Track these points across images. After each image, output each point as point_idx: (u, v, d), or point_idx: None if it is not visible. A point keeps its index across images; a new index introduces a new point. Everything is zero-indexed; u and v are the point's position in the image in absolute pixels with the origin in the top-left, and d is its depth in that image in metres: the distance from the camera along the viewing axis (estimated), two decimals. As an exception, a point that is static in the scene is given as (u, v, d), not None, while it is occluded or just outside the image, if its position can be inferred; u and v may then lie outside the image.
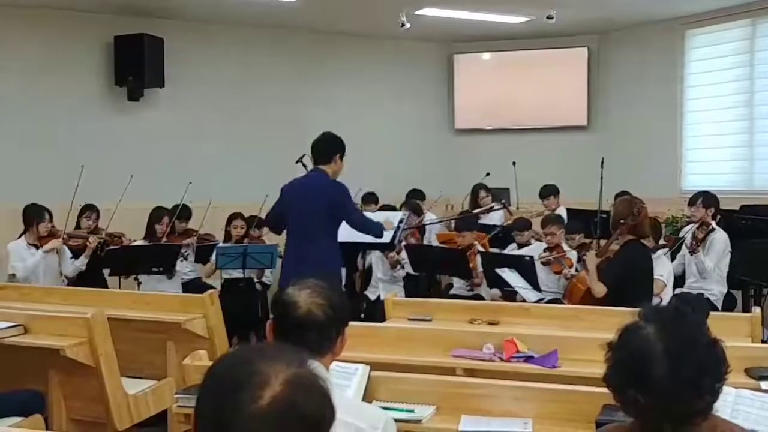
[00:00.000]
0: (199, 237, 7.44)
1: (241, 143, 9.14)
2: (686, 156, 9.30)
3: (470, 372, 3.78)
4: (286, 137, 8.43)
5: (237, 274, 7.13)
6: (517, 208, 8.83)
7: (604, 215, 6.84)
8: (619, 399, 1.85)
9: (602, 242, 6.19)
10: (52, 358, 4.19)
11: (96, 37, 8.39)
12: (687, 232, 6.84)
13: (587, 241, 6.82)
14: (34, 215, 6.56)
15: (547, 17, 8.60)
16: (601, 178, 7.29)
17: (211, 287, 6.72)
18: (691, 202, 6.81)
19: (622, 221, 5.02)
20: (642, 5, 8.55)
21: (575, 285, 5.90)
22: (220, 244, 7.26)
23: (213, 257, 7.10)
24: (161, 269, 6.86)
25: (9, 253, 6.54)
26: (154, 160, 8.56)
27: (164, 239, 7.12)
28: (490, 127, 10.46)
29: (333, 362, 2.39)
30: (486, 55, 10.50)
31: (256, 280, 7.43)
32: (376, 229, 5.46)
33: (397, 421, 2.33)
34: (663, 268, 5.67)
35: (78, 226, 7.11)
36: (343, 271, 6.46)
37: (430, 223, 8.02)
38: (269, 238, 7.75)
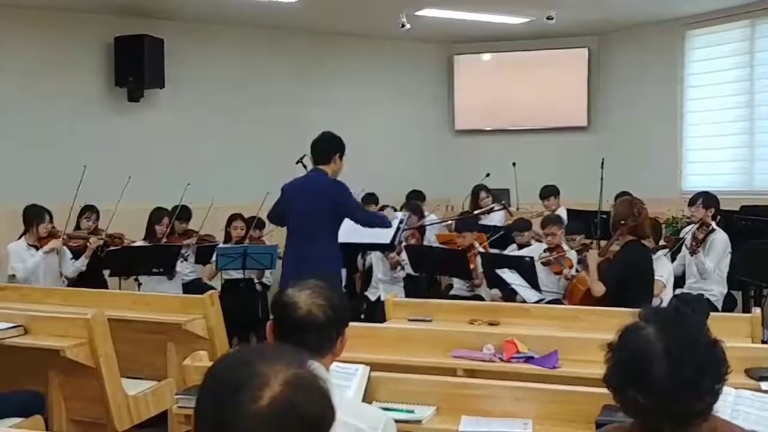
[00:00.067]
0: (199, 238, 7.44)
1: (242, 144, 9.14)
2: (686, 156, 9.30)
3: (470, 372, 3.78)
4: (287, 138, 8.43)
5: (237, 274, 7.13)
6: (517, 208, 8.83)
7: (605, 216, 6.84)
8: (619, 399, 1.85)
9: (602, 243, 6.19)
10: (52, 358, 4.19)
11: (96, 37, 8.39)
12: (687, 233, 6.84)
13: (588, 241, 6.82)
14: (34, 216, 6.56)
15: (547, 18, 8.60)
16: (601, 178, 7.28)
17: (212, 288, 6.74)
18: (692, 203, 6.81)
19: (622, 222, 5.02)
20: (642, 6, 8.55)
21: (575, 285, 5.90)
22: (221, 245, 7.26)
23: (213, 258, 7.10)
24: (161, 270, 6.85)
25: (9, 254, 6.54)
26: (154, 161, 8.56)
27: (164, 240, 7.12)
28: (490, 128, 10.46)
29: (333, 363, 2.39)
30: (486, 56, 10.51)
31: (256, 280, 7.43)
32: (382, 220, 5.46)
33: (397, 421, 2.33)
34: (663, 268, 5.67)
35: (78, 227, 7.10)
36: (344, 271, 6.46)
37: (430, 224, 8.02)
38: (269, 238, 7.76)
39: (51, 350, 4.17)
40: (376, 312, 6.52)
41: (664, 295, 5.56)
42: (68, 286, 6.63)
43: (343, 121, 7.67)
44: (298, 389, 1.27)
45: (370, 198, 8.28)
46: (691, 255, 6.54)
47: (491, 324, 4.78)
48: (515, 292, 6.19)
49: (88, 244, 6.81)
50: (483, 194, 8.51)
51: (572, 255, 6.58)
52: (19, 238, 6.60)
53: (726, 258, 6.49)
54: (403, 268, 7.08)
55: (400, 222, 5.97)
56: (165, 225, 7.19)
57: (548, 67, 10.14)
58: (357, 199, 5.45)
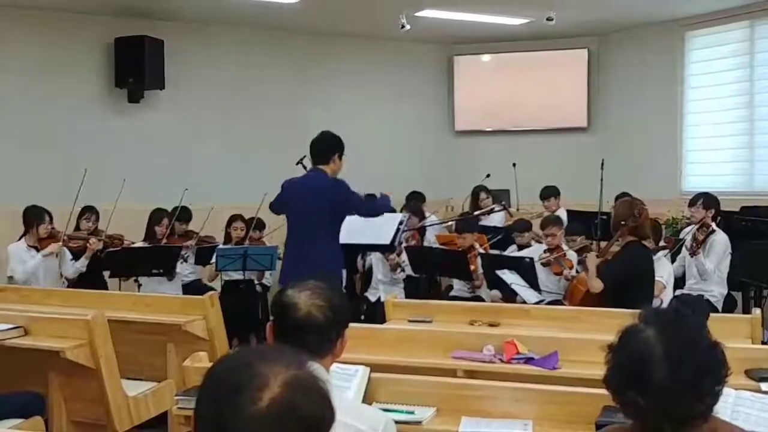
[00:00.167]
0: (199, 239, 7.44)
1: (242, 144, 9.15)
2: (686, 157, 9.30)
3: (470, 373, 3.78)
4: (286, 138, 8.43)
5: (237, 275, 7.13)
6: (518, 209, 8.83)
7: (605, 217, 6.85)
8: (618, 401, 1.85)
9: (603, 244, 6.19)
10: (53, 359, 4.19)
11: (96, 38, 8.39)
12: (687, 234, 6.84)
13: (588, 242, 6.82)
14: (34, 217, 6.56)
15: (547, 19, 8.60)
16: (602, 179, 7.30)
17: (212, 289, 6.74)
18: (692, 203, 6.81)
19: (623, 222, 5.03)
20: (642, 7, 8.56)
21: (575, 286, 5.90)
22: (221, 246, 7.26)
23: (213, 259, 7.10)
24: (161, 271, 6.86)
25: (9, 256, 6.53)
26: (154, 162, 8.56)
27: (164, 241, 7.12)
28: (490, 129, 10.46)
29: (333, 364, 2.38)
30: (486, 57, 10.51)
31: (256, 281, 7.43)
32: (384, 206, 5.45)
33: (397, 422, 2.33)
34: (663, 269, 5.68)
35: (77, 228, 7.10)
36: (344, 272, 6.45)
37: (430, 225, 8.01)
38: (269, 239, 7.76)
39: (51, 351, 4.18)
40: (376, 313, 6.52)
41: (664, 296, 5.56)
42: (68, 287, 6.63)
43: (342, 121, 7.66)
44: (297, 390, 1.27)
45: (370, 198, 8.27)
46: (691, 256, 6.54)
47: (491, 325, 4.78)
48: (515, 293, 6.19)
49: (88, 245, 6.80)
50: (483, 195, 8.51)
51: (572, 256, 6.58)
52: (19, 239, 6.60)
53: (726, 259, 6.49)
54: (403, 270, 7.07)
55: (400, 223, 5.97)
56: (165, 226, 7.19)
57: (548, 68, 10.15)
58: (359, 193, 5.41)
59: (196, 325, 4.98)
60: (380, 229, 5.78)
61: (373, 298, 7.22)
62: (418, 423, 2.96)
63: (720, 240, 6.47)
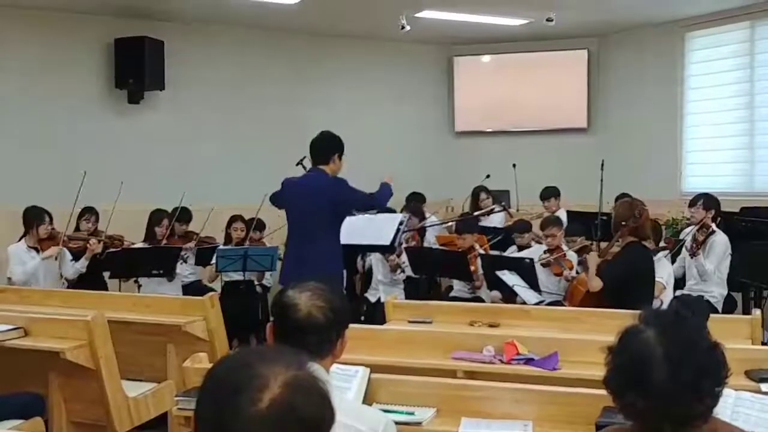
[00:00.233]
0: (199, 240, 7.44)
1: (242, 145, 9.15)
2: (686, 158, 9.31)
3: (470, 374, 3.78)
4: (286, 139, 8.43)
5: (237, 276, 7.13)
6: (518, 210, 8.83)
7: (605, 217, 6.85)
8: (618, 402, 1.85)
9: (603, 244, 6.19)
10: (53, 360, 4.19)
11: (96, 39, 8.39)
12: (687, 235, 6.83)
13: (588, 242, 6.82)
14: (34, 218, 6.55)
15: (547, 20, 8.60)
16: (601, 180, 7.30)
17: (212, 290, 6.74)
18: (692, 204, 6.81)
19: (623, 223, 5.03)
20: (641, 8, 8.56)
21: (575, 287, 5.90)
22: (221, 247, 7.26)
23: (213, 260, 7.10)
24: (161, 272, 6.85)
25: (8, 257, 6.53)
26: (155, 163, 8.57)
27: (164, 242, 7.12)
28: (490, 129, 10.47)
29: (333, 365, 2.38)
30: (486, 58, 10.51)
31: (256, 282, 7.43)
32: (385, 193, 5.42)
33: (397, 423, 2.33)
34: (663, 270, 5.68)
35: (77, 229, 7.10)
36: (344, 273, 6.45)
37: (430, 226, 8.01)
38: (269, 240, 7.76)
39: (51, 352, 4.18)
40: (376, 314, 6.52)
41: (664, 297, 5.56)
42: (68, 287, 6.63)
43: (342, 122, 7.66)
44: (297, 391, 1.27)
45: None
46: (691, 257, 6.54)
47: (491, 326, 4.78)
48: (515, 294, 6.19)
49: (88, 245, 6.80)
50: (483, 195, 8.51)
51: (572, 256, 6.58)
52: (20, 239, 6.60)
53: (726, 260, 6.49)
54: (403, 271, 7.07)
55: (400, 224, 5.96)
56: (165, 227, 7.19)
57: (548, 69, 10.15)
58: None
59: (196, 326, 4.98)
60: (380, 229, 5.79)
61: (373, 299, 7.22)
62: (418, 424, 2.97)
63: (720, 241, 6.47)
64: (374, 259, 7.29)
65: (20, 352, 4.32)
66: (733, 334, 4.16)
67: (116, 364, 4.28)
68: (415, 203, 8.08)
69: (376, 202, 5.42)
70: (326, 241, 5.18)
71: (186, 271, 7.33)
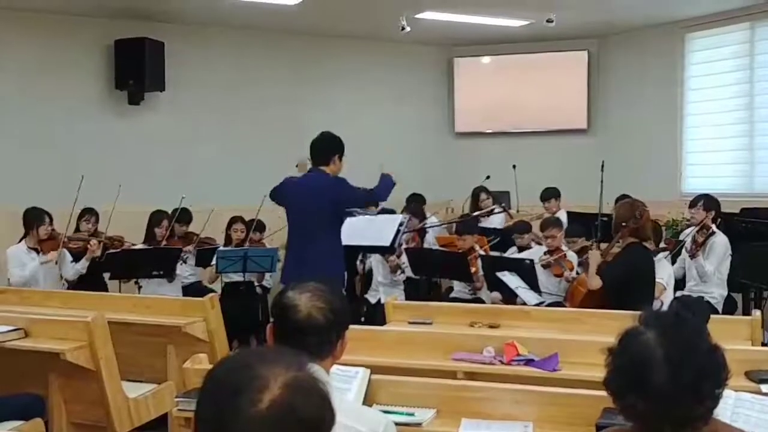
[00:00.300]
0: (199, 240, 7.44)
1: (242, 146, 9.15)
2: (686, 159, 9.31)
3: (471, 375, 3.78)
4: (287, 140, 8.44)
5: (237, 277, 7.13)
6: (518, 211, 8.83)
7: (605, 218, 6.85)
8: (618, 404, 1.85)
9: (603, 245, 6.19)
10: (53, 361, 4.19)
11: (96, 40, 8.40)
12: (687, 236, 6.83)
13: (588, 243, 6.82)
14: (34, 219, 6.55)
15: (547, 21, 8.60)
16: (602, 181, 7.29)
17: (212, 291, 6.74)
18: (692, 205, 6.81)
19: (623, 224, 5.03)
20: (641, 9, 8.56)
21: (576, 287, 5.90)
22: (221, 248, 7.26)
23: (214, 261, 7.10)
24: (161, 273, 6.85)
25: (8, 259, 6.52)
26: (155, 164, 8.57)
27: (163, 243, 7.12)
28: (490, 131, 10.47)
29: (333, 366, 2.38)
30: (486, 59, 10.51)
31: (256, 283, 7.43)
32: (387, 185, 5.39)
33: (397, 424, 2.33)
34: (663, 271, 5.67)
35: (77, 230, 7.10)
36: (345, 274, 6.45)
37: (430, 227, 8.01)
38: (269, 241, 7.76)
39: (51, 353, 4.17)
40: (376, 315, 6.52)
41: (665, 298, 5.56)
42: (68, 288, 6.63)
43: (342, 123, 7.67)
44: (297, 392, 1.27)
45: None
46: (691, 258, 6.54)
47: (491, 327, 4.78)
48: (515, 295, 6.19)
49: (88, 246, 6.80)
50: (483, 196, 8.50)
51: (572, 257, 6.58)
52: (20, 241, 6.60)
53: (726, 261, 6.49)
54: (403, 272, 7.07)
55: (400, 225, 5.96)
56: (164, 228, 7.19)
57: (548, 70, 10.15)
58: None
59: (196, 327, 4.98)
60: (380, 230, 5.79)
61: (373, 300, 7.22)
62: (419, 425, 2.97)
63: (720, 242, 6.47)
64: (374, 261, 7.29)
65: (20, 353, 4.31)
66: (733, 335, 4.16)
67: (116, 365, 4.28)
68: (415, 204, 8.07)
69: (376, 197, 5.40)
70: (327, 241, 5.18)
71: (186, 272, 7.34)
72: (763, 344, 4.82)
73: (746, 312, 6.30)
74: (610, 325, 2.90)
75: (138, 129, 8.63)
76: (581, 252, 6.67)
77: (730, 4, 8.32)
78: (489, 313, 5.02)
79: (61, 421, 4.39)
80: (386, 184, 5.39)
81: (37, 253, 6.56)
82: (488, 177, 8.89)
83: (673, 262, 6.64)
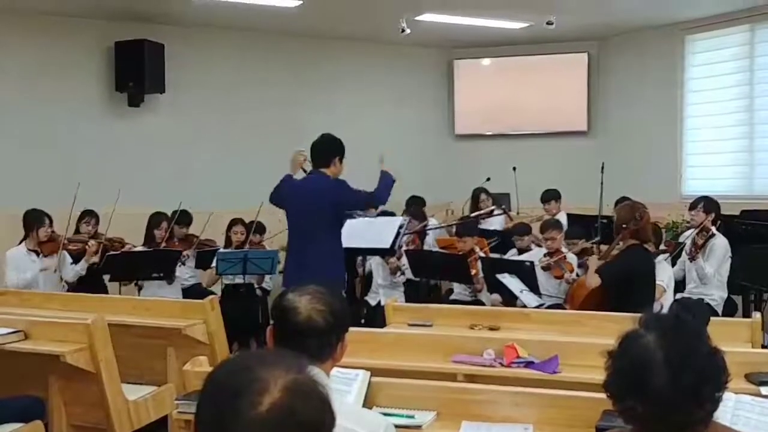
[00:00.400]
0: (199, 243, 7.44)
1: (242, 148, 9.14)
2: (686, 161, 9.31)
3: (471, 377, 3.78)
4: (287, 142, 8.39)
5: (237, 279, 7.13)
6: (518, 213, 8.83)
7: (605, 220, 6.85)
8: (618, 407, 1.84)
9: (603, 247, 6.20)
10: (53, 364, 4.19)
11: (96, 42, 8.40)
12: (687, 238, 6.83)
13: (588, 245, 6.83)
14: (34, 220, 6.55)
15: (547, 23, 8.61)
16: (602, 183, 7.30)
17: (212, 293, 6.74)
18: (692, 207, 6.81)
19: (624, 226, 5.04)
20: (642, 11, 8.56)
21: (576, 289, 5.90)
22: (221, 250, 7.26)
23: (214, 263, 7.10)
24: (161, 275, 6.85)
25: (7, 261, 6.52)
26: (155, 166, 8.57)
27: (163, 245, 7.11)
28: (490, 133, 10.47)
29: (333, 368, 2.38)
30: (486, 61, 10.52)
31: (256, 285, 7.43)
32: (387, 184, 5.35)
33: (397, 426, 2.33)
34: (663, 273, 5.68)
35: (77, 231, 7.10)
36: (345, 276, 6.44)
37: (431, 229, 8.01)
38: (270, 243, 7.76)
39: (51, 355, 4.17)
40: (376, 317, 6.52)
41: (665, 300, 5.57)
42: (68, 291, 6.63)
43: (342, 125, 7.66)
44: (297, 395, 1.27)
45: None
46: (690, 261, 6.54)
47: (491, 329, 4.78)
48: (516, 297, 6.19)
49: (86, 247, 6.81)
50: (483, 196, 8.51)
51: (572, 259, 6.58)
52: (20, 242, 6.60)
53: (726, 263, 6.49)
54: (403, 273, 7.08)
55: (400, 227, 5.96)
56: (164, 229, 7.19)
57: (548, 72, 10.16)
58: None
59: (196, 329, 4.98)
60: (380, 233, 5.79)
61: (373, 302, 7.22)
62: (419, 427, 2.96)
63: (720, 244, 6.47)
64: (374, 263, 7.30)
65: (20, 355, 4.31)
66: (733, 338, 4.16)
67: (116, 368, 4.28)
68: (415, 206, 8.08)
69: (377, 199, 5.38)
70: (327, 243, 5.18)
71: (186, 273, 7.34)
72: (763, 346, 4.82)
73: (746, 314, 6.31)
74: (610, 328, 2.90)
75: (138, 131, 8.63)
76: (581, 254, 6.68)
77: (730, 6, 8.32)
78: (489, 316, 5.03)
79: (61, 424, 4.39)
80: (386, 184, 5.36)
81: (37, 255, 6.56)
82: (488, 179, 8.90)
83: (673, 264, 6.64)
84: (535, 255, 6.77)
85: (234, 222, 7.56)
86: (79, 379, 4.23)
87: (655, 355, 1.77)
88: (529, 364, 3.84)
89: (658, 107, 9.39)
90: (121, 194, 7.05)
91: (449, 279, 7.30)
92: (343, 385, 3.07)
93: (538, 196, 8.26)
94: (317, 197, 5.15)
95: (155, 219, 7.25)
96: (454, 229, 7.67)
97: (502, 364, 3.86)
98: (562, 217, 7.73)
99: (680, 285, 6.56)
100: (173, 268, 6.91)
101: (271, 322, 2.30)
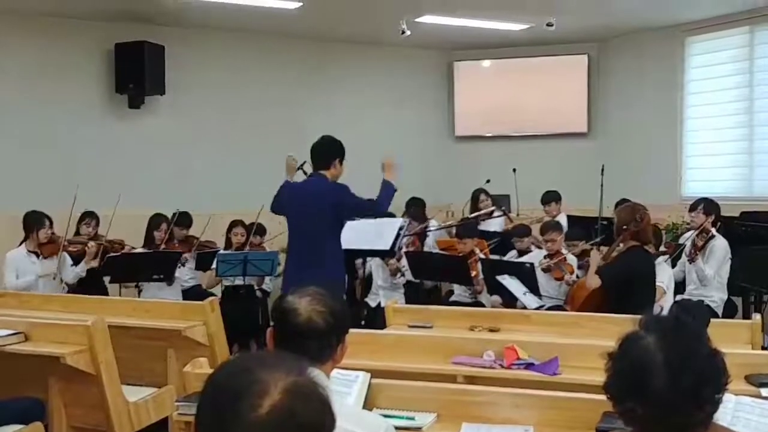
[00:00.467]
0: (199, 244, 7.44)
1: (242, 150, 9.14)
2: (686, 163, 9.31)
3: (471, 379, 3.78)
4: (287, 144, 8.39)
5: (237, 281, 7.13)
6: (518, 214, 8.83)
7: (605, 222, 6.85)
8: (618, 409, 1.85)
9: (603, 249, 6.20)
10: (53, 365, 4.19)
11: (96, 44, 8.40)
12: (687, 239, 6.84)
13: (589, 247, 6.82)
14: (34, 222, 6.56)
15: (547, 24, 8.61)
16: (602, 184, 7.30)
17: (212, 294, 6.74)
18: (692, 209, 6.81)
19: (625, 227, 5.05)
20: (641, 12, 8.57)
21: (576, 291, 5.90)
22: (221, 252, 7.26)
23: (214, 264, 7.10)
24: (161, 276, 6.85)
25: (6, 263, 6.52)
26: (155, 168, 8.57)
27: (162, 246, 7.11)
28: (490, 134, 10.47)
29: (333, 370, 2.38)
30: (486, 62, 10.52)
31: (256, 287, 7.43)
32: (388, 195, 5.34)
33: (397, 428, 2.33)
34: (663, 274, 5.68)
35: (78, 233, 7.11)
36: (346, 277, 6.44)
37: (431, 230, 8.01)
38: (270, 245, 7.76)
39: (51, 357, 4.17)
40: (376, 318, 6.52)
41: (665, 302, 5.57)
42: (68, 292, 6.63)
43: (343, 127, 7.66)
44: (297, 397, 1.27)
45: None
46: (690, 263, 6.54)
47: (491, 330, 4.79)
48: (516, 299, 6.19)
49: (86, 248, 6.81)
50: (483, 197, 8.50)
51: (572, 260, 6.58)
52: (20, 244, 6.60)
53: (726, 264, 6.49)
54: (403, 275, 7.08)
55: (400, 228, 5.95)
56: (163, 231, 7.19)
57: (548, 74, 10.16)
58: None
59: (196, 331, 4.99)
60: (380, 234, 5.78)
61: (373, 304, 7.22)
62: (419, 429, 2.96)
63: (720, 245, 6.47)
64: (374, 264, 7.30)
65: (20, 357, 4.31)
66: (733, 339, 4.16)
67: (116, 369, 4.28)
68: (416, 208, 8.07)
69: (378, 207, 5.38)
70: (328, 245, 5.18)
71: (186, 275, 7.33)
72: (763, 348, 4.82)
73: (746, 316, 6.31)
74: (610, 329, 2.91)
75: (138, 132, 8.63)
76: (581, 255, 6.68)
77: (730, 7, 8.33)
78: (489, 317, 5.03)
79: (61, 425, 4.39)
80: (388, 193, 5.37)
81: (37, 256, 6.56)
82: (488, 180, 8.89)
83: (674, 266, 6.64)
84: (535, 257, 6.77)
85: (234, 224, 7.56)
86: (79, 381, 4.23)
87: (655, 357, 1.77)
88: (529, 366, 3.84)
89: (658, 109, 9.39)
90: (121, 195, 7.05)
91: (449, 280, 7.30)
92: (344, 386, 3.07)
93: (538, 197, 8.26)
94: (317, 199, 5.15)
95: (155, 221, 7.24)
96: (454, 231, 7.67)
97: (502, 366, 3.86)
98: (562, 219, 7.73)
99: (680, 286, 6.56)
100: (173, 270, 6.91)
101: (272, 323, 2.31)
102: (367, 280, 7.53)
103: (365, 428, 2.11)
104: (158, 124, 8.75)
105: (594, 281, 5.07)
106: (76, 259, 6.83)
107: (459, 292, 7.11)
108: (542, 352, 3.90)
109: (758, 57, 8.51)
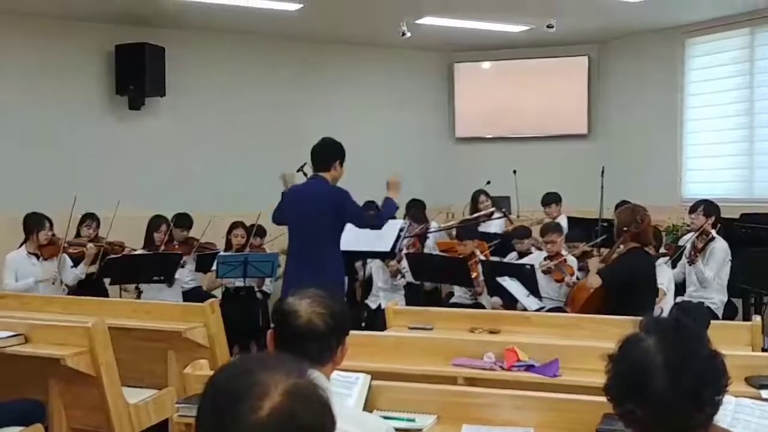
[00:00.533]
0: (199, 246, 7.44)
1: (242, 151, 9.15)
2: (686, 164, 9.31)
3: (471, 381, 3.77)
4: (287, 145, 8.44)
5: (237, 282, 7.13)
6: (518, 216, 8.83)
7: (605, 224, 6.85)
8: (618, 410, 1.84)
9: (603, 250, 6.20)
10: (53, 367, 4.18)
11: (97, 46, 8.40)
12: (687, 241, 6.84)
13: (589, 249, 6.83)
14: (34, 224, 6.56)
15: (547, 26, 8.61)
16: (602, 186, 7.30)
17: (212, 296, 6.74)
18: (692, 210, 6.82)
19: (625, 229, 5.05)
20: (642, 14, 8.56)
21: (577, 292, 5.90)
22: (221, 253, 7.26)
23: (214, 266, 7.10)
24: (162, 278, 6.85)
25: (6, 265, 6.52)
26: (155, 169, 8.58)
27: (162, 248, 7.11)
28: (490, 136, 10.47)
29: (334, 371, 2.39)
30: (486, 64, 10.53)
31: (256, 289, 7.43)
32: (389, 211, 5.38)
33: (397, 430, 2.33)
34: (663, 276, 5.69)
35: (78, 235, 7.11)
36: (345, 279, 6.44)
37: (432, 232, 8.01)
38: (270, 246, 7.76)
39: (51, 359, 4.17)
40: (376, 320, 6.52)
41: (665, 303, 5.57)
42: (68, 294, 6.63)
43: (343, 128, 7.68)
44: (297, 399, 1.27)
45: (370, 206, 8.25)
46: (690, 264, 6.54)
47: (492, 332, 4.79)
48: (516, 300, 6.19)
49: (85, 250, 6.81)
50: (483, 199, 8.49)
51: (573, 262, 6.58)
52: (20, 246, 6.60)
53: (726, 266, 6.49)
54: (403, 277, 7.08)
55: (401, 230, 5.96)
56: (163, 233, 7.18)
57: (548, 75, 10.16)
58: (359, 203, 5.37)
59: (196, 333, 4.98)
60: (380, 236, 5.78)
61: (373, 306, 7.22)
62: (419, 431, 2.96)
63: (720, 247, 6.47)
64: (374, 266, 7.30)
65: (20, 358, 4.31)
66: (733, 341, 4.16)
67: (117, 371, 4.27)
68: (416, 210, 8.07)
69: (377, 222, 5.38)
70: (328, 246, 5.19)
71: (186, 276, 7.33)
72: (764, 350, 4.83)
73: (746, 317, 6.31)
74: (610, 331, 2.91)
75: (138, 134, 8.63)
76: (582, 257, 6.68)
77: (730, 9, 8.33)
78: (489, 319, 5.03)
79: (62, 427, 4.39)
80: (389, 210, 5.41)
81: (38, 258, 6.56)
82: (488, 182, 8.89)
83: (674, 267, 6.65)
84: (536, 258, 6.77)
85: (234, 225, 7.56)
86: (79, 383, 4.22)
87: (655, 359, 1.77)
88: (529, 368, 3.84)
89: (659, 110, 9.39)
90: (121, 197, 7.05)
91: (450, 282, 7.30)
92: (344, 388, 3.07)
93: (539, 199, 8.26)
94: (317, 201, 5.16)
95: (155, 222, 7.24)
96: (454, 232, 7.67)
97: (502, 368, 3.86)
98: (563, 221, 7.73)
99: (680, 288, 6.57)
100: (173, 272, 6.91)
101: (272, 325, 2.31)
102: (368, 282, 7.53)
103: (365, 430, 2.11)
104: (158, 126, 8.75)
105: (595, 281, 5.08)
106: (77, 261, 6.83)
107: (459, 293, 7.11)
108: (542, 353, 3.90)
109: (759, 59, 8.50)
